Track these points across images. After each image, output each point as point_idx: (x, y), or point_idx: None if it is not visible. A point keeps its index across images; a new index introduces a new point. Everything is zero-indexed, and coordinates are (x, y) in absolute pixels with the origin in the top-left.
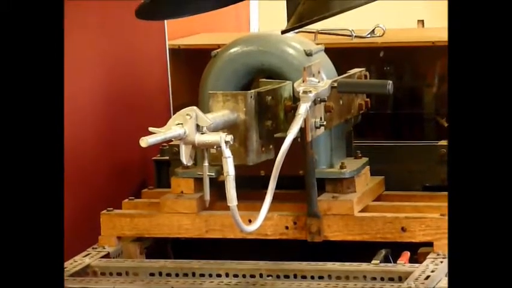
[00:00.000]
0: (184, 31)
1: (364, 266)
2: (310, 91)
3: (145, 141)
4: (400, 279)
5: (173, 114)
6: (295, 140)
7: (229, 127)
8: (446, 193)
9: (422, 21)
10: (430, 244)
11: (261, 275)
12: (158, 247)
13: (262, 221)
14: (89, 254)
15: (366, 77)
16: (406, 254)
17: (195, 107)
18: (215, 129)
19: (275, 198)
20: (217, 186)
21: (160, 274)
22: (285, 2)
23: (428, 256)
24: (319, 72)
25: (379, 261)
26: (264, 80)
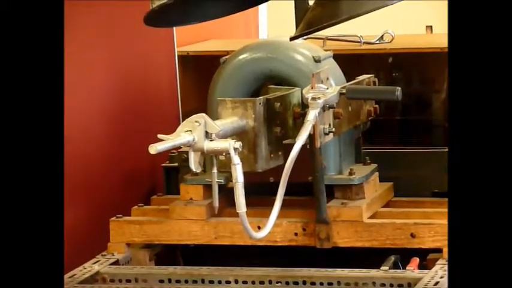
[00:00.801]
0: (193, 38)
1: (373, 273)
2: (319, 97)
3: (154, 148)
4: (410, 286)
5: (182, 121)
6: (304, 146)
7: (238, 134)
8: None
9: (431, 27)
10: (439, 250)
11: (270, 282)
12: (167, 254)
13: (271, 227)
14: (98, 261)
15: (374, 83)
16: (416, 260)
17: (203, 114)
18: (224, 136)
19: (284, 204)
20: (227, 192)
21: (169, 281)
22: (294, 8)
23: (438, 262)
24: (327, 78)
25: (388, 268)
26: (272, 86)
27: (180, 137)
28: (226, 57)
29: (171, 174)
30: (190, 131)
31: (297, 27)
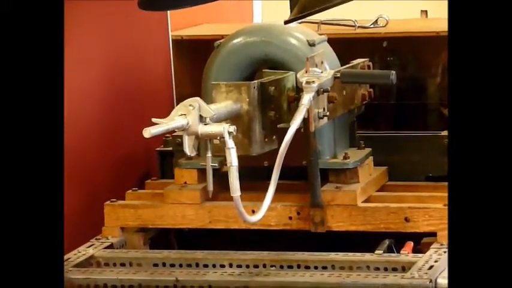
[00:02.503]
0: (187, 22)
1: (367, 256)
2: (313, 81)
3: (148, 132)
4: (404, 269)
5: (176, 105)
6: (298, 130)
7: (233, 118)
8: None
9: (426, 11)
10: (433, 234)
11: (264, 265)
12: (162, 238)
13: (265, 211)
14: (92, 245)
15: (369, 67)
16: (410, 244)
17: (198, 98)
18: (218, 120)
19: (278, 189)
20: (221, 177)
21: (164, 265)
22: None
23: (432, 246)
24: (322, 62)
25: (382, 252)
26: (267, 70)
27: (174, 120)
28: (220, 41)
29: (165, 158)
30: (185, 114)
31: (291, 11)
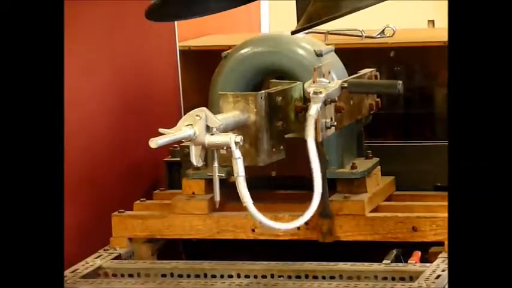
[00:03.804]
0: (195, 32)
1: (375, 266)
2: (320, 92)
3: (155, 142)
4: (411, 279)
5: (184, 115)
6: (304, 140)
7: (240, 128)
8: None
9: (433, 21)
10: (441, 244)
11: (272, 276)
12: (170, 248)
13: (304, 221)
14: (100, 256)
15: (376, 77)
16: (417, 254)
17: (205, 108)
18: (225, 130)
19: (286, 198)
20: (228, 187)
21: (172, 275)
22: (295, 2)
23: (439, 255)
24: (329, 72)
25: (390, 261)
26: (274, 80)
27: (181, 131)
28: (227, 51)
29: (173, 168)
30: (191, 125)
31: (298, 21)
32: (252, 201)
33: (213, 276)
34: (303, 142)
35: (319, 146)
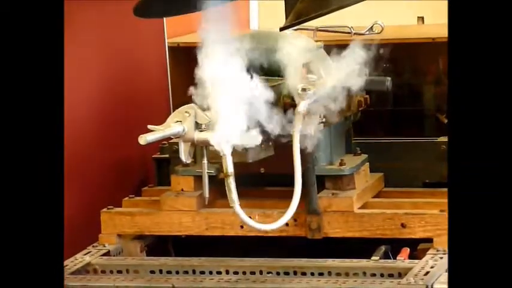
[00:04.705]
0: (184, 29)
1: (363, 263)
2: (309, 88)
3: (144, 139)
4: (400, 275)
5: (173, 112)
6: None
7: None
8: (446, 189)
9: (422, 17)
10: (429, 240)
11: (261, 272)
12: (159, 245)
13: (286, 220)
14: (89, 252)
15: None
16: (406, 250)
17: (193, 105)
18: None
19: (275, 195)
20: (217, 183)
21: (160, 272)
22: None
23: (428, 252)
24: (318, 69)
25: (378, 258)
26: (263, 77)
27: (169, 127)
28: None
29: (162, 165)
30: (181, 121)
31: (286, 18)
32: (240, 199)
33: (202, 272)
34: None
35: (306, 142)
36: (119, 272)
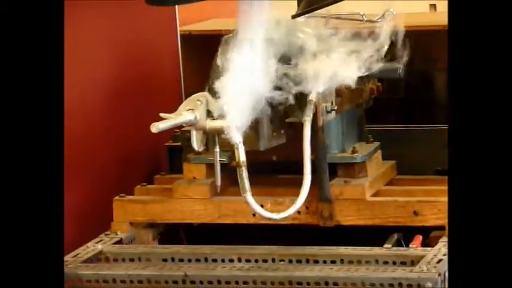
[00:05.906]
0: (196, 17)
1: (376, 250)
2: (321, 77)
3: (156, 127)
4: (412, 263)
5: (184, 100)
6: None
7: None
8: None
9: (435, 5)
10: (442, 228)
11: (273, 260)
12: (171, 233)
13: (296, 209)
14: (101, 240)
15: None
16: (418, 238)
17: (205, 93)
18: None
19: (287, 183)
20: (229, 171)
21: (173, 260)
22: None
23: (441, 240)
24: (329, 56)
25: (391, 246)
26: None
27: (181, 115)
28: (228, 36)
29: (174, 153)
30: (192, 109)
31: (298, 5)
32: (252, 187)
33: (214, 260)
34: (304, 127)
35: (319, 130)
36: (131, 260)
